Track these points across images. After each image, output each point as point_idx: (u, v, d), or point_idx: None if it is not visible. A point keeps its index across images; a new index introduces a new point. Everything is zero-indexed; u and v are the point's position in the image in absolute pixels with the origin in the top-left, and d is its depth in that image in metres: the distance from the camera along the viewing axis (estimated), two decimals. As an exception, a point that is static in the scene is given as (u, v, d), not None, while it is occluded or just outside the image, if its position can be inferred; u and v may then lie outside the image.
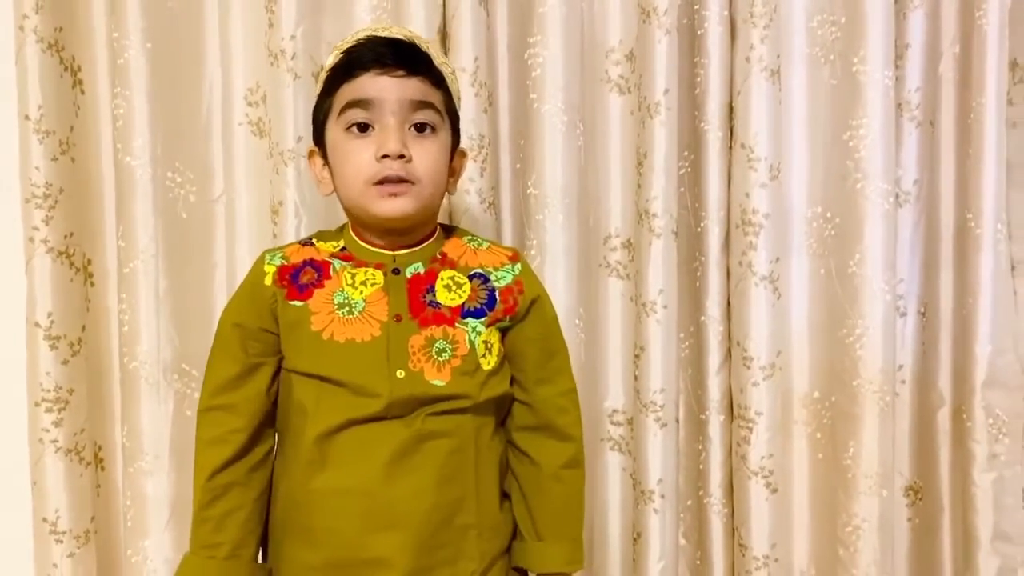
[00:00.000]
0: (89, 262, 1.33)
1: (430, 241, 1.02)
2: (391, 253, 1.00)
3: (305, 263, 0.99)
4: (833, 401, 1.42)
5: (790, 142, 1.40)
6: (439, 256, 1.02)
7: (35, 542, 1.29)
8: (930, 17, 1.39)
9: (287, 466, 0.99)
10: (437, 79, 0.98)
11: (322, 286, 0.97)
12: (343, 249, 1.01)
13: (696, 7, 1.36)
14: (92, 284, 1.33)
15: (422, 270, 1.00)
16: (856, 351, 1.37)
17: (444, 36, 1.30)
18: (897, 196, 1.39)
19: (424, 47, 0.99)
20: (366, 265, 0.99)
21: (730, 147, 1.36)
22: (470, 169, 1.28)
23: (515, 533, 1.04)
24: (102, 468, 1.36)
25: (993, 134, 1.35)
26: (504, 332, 1.02)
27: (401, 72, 0.94)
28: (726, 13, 1.33)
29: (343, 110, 0.95)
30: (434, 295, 0.98)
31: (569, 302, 1.36)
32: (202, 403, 0.99)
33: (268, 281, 0.98)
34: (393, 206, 0.94)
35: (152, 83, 1.26)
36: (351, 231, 1.02)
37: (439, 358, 0.96)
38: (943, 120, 1.42)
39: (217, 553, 0.96)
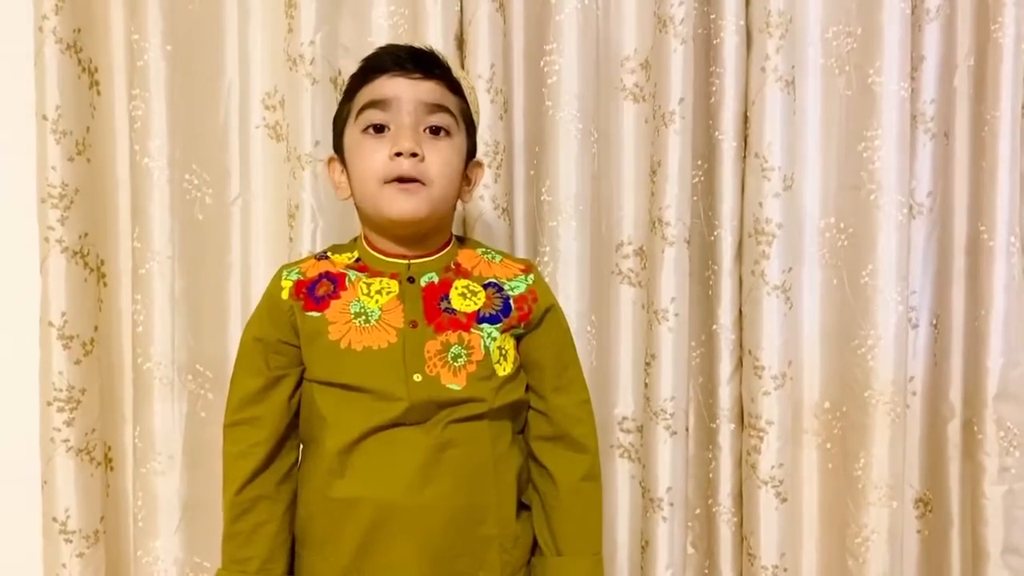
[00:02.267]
0: (103, 262, 1.33)
1: (444, 251, 1.03)
2: (405, 262, 1.00)
3: (321, 276, 1.00)
4: (844, 411, 1.41)
5: (804, 152, 1.40)
6: (453, 266, 1.02)
7: (44, 541, 1.29)
8: (945, 29, 1.39)
9: (307, 476, 1.00)
10: (454, 85, 0.99)
11: (338, 297, 0.98)
12: (357, 260, 1.02)
13: (712, 17, 1.36)
14: (105, 284, 1.34)
15: (436, 279, 1.00)
16: (868, 362, 1.37)
17: (461, 42, 1.31)
18: (911, 208, 1.39)
19: (443, 59, 1.00)
20: (381, 275, 0.99)
21: (744, 156, 1.36)
22: (484, 175, 1.28)
23: (534, 549, 1.03)
24: (112, 468, 1.36)
25: (1007, 147, 1.35)
26: (519, 340, 1.02)
27: (418, 74, 0.96)
28: (742, 23, 1.33)
29: (360, 111, 0.96)
30: (449, 302, 0.99)
31: (581, 309, 1.36)
32: (227, 418, 1.00)
33: (285, 295, 0.99)
34: (405, 206, 0.94)
35: (171, 85, 1.27)
36: (364, 243, 1.03)
37: (455, 363, 0.96)
38: (957, 132, 1.42)
39: (247, 568, 0.97)
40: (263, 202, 1.31)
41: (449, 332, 0.97)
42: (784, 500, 1.36)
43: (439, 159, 0.95)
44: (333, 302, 0.98)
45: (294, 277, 1.00)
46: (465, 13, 1.30)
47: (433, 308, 0.98)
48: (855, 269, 1.38)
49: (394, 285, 0.99)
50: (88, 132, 1.28)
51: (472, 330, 0.98)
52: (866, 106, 1.36)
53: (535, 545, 1.03)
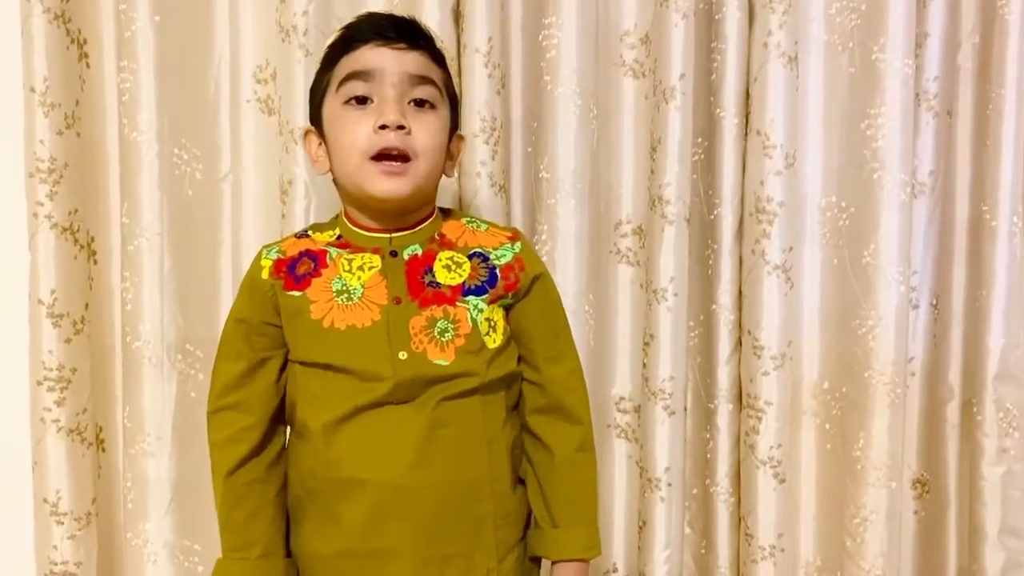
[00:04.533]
0: (93, 239, 1.30)
1: (428, 222, 1.01)
2: (387, 236, 0.98)
3: (302, 254, 0.98)
4: (843, 392, 1.40)
5: (806, 130, 1.38)
6: (437, 237, 1.00)
7: (36, 523, 1.27)
8: (951, 5, 1.37)
9: (297, 459, 0.98)
10: (437, 56, 0.98)
11: (319, 275, 0.96)
12: (339, 237, 1.00)
13: (714, -9, 1.34)
14: (95, 262, 1.31)
15: (420, 252, 0.98)
16: (868, 342, 1.36)
17: (458, 15, 1.28)
18: (912, 187, 1.37)
19: (426, 28, 0.98)
20: (363, 251, 0.98)
21: (745, 134, 1.34)
22: (481, 152, 1.27)
23: (528, 522, 1.03)
24: (103, 449, 1.34)
25: (1012, 126, 1.34)
26: (508, 310, 1.00)
27: (402, 45, 0.94)
28: (744, -3, 1.31)
29: (342, 83, 0.94)
30: (433, 275, 0.97)
31: (579, 288, 1.34)
32: (210, 405, 0.98)
33: (265, 275, 0.97)
34: (390, 186, 0.92)
35: (159, 57, 1.24)
36: (345, 218, 1.01)
37: (441, 338, 0.94)
38: (961, 110, 1.40)
39: (250, 554, 0.95)
40: (254, 178, 1.28)
41: (434, 307, 0.95)
42: (782, 481, 1.35)
43: (426, 131, 0.94)
44: (314, 280, 0.96)
45: (274, 256, 0.99)
46: (463, -16, 1.27)
47: (417, 283, 0.96)
48: (856, 249, 1.37)
49: (376, 260, 0.97)
50: (77, 105, 1.25)
51: (457, 304, 0.96)
52: (869, 83, 1.34)
53: (528, 522, 1.02)
